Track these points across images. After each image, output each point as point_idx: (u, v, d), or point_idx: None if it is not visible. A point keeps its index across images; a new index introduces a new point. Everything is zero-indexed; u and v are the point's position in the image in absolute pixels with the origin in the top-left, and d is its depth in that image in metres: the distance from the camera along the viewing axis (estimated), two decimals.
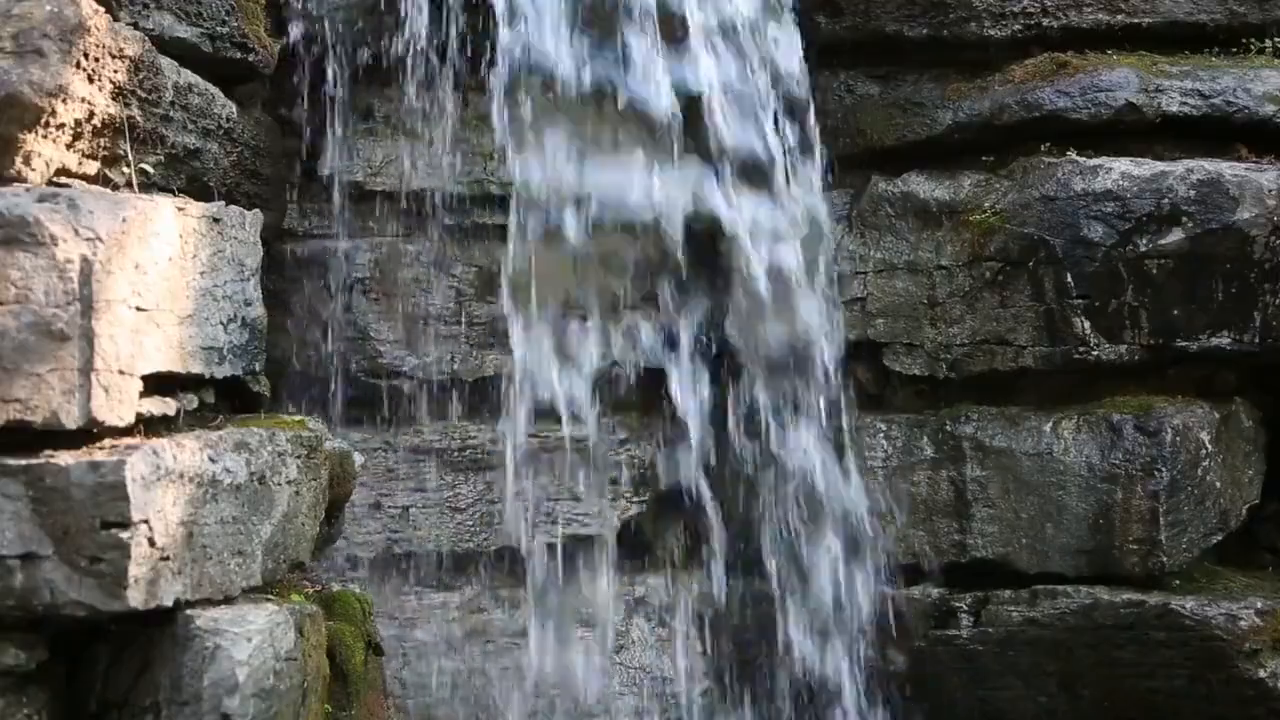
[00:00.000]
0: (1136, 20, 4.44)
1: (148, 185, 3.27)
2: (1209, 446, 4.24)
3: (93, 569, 2.68)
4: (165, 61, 3.38)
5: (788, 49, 4.40)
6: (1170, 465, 4.17)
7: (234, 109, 3.77)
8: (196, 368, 3.09)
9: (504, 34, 4.13)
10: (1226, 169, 4.19)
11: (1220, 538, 4.33)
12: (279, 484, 3.14)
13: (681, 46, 4.29)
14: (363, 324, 4.32)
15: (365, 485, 4.07)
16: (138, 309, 2.85)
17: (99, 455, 2.71)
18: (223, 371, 3.22)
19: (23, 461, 2.68)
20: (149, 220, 2.91)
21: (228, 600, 2.96)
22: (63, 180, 3.02)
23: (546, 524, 4.37)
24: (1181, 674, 4.12)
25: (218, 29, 3.69)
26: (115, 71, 3.11)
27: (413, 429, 4.34)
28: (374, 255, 4.34)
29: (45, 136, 2.95)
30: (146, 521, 2.71)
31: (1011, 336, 4.31)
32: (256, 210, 3.46)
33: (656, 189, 4.27)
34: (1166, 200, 4.15)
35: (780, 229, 4.36)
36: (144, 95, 3.26)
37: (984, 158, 4.45)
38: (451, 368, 4.36)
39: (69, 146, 3.03)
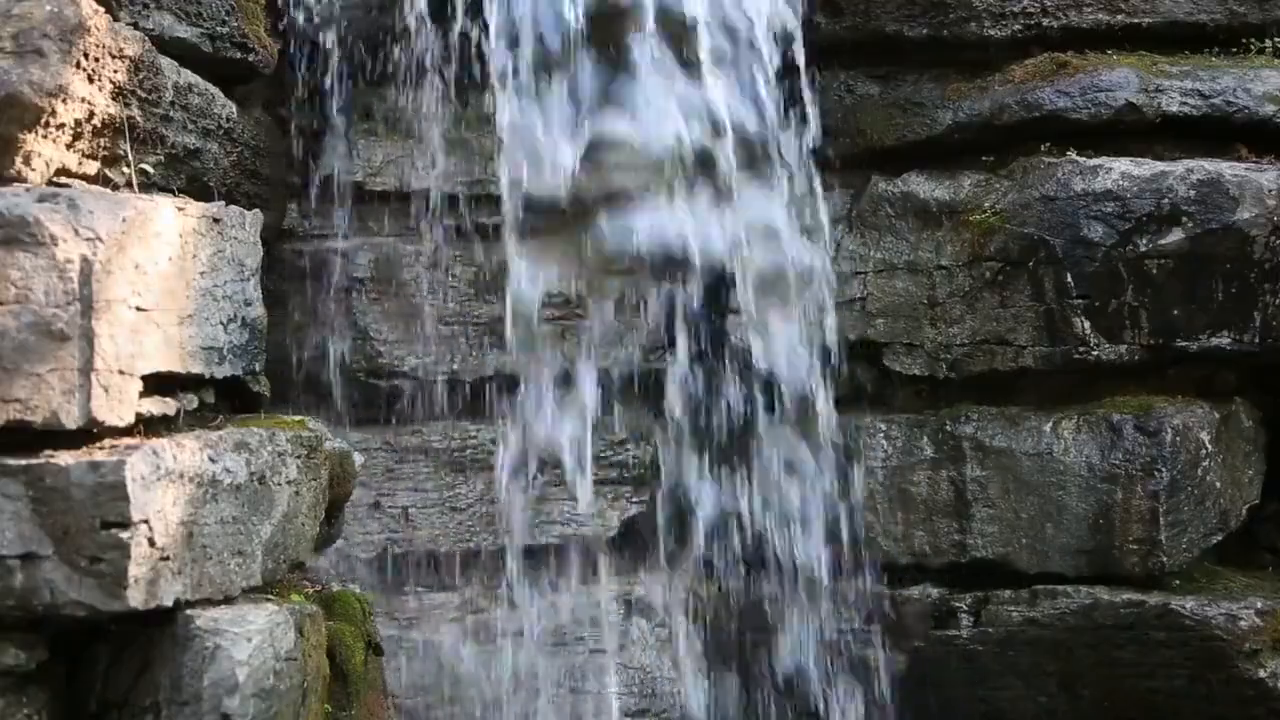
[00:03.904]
0: (1136, 20, 4.44)
1: (148, 185, 3.27)
2: (1209, 446, 4.24)
3: (93, 569, 2.68)
4: (165, 61, 3.38)
5: None
6: (1170, 465, 4.17)
7: (234, 109, 3.77)
8: (196, 368, 3.10)
9: None
10: (1226, 169, 4.19)
11: (1220, 538, 4.33)
12: (279, 484, 3.14)
13: None
14: (363, 324, 4.32)
15: (365, 485, 4.07)
16: (138, 309, 2.85)
17: (99, 455, 2.71)
18: (223, 371, 3.22)
19: (23, 461, 2.68)
20: (149, 220, 2.91)
21: (228, 600, 2.96)
22: (63, 180, 3.02)
23: (546, 524, 4.37)
24: (1181, 674, 4.12)
25: (218, 29, 3.69)
26: (115, 71, 3.11)
27: (413, 429, 4.34)
28: (374, 255, 4.34)
29: (45, 136, 2.95)
30: (146, 521, 2.71)
31: (1011, 336, 4.31)
32: (256, 210, 3.46)
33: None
34: (1166, 200, 4.15)
35: None
36: (144, 95, 3.26)
37: (984, 158, 4.45)
38: (451, 368, 4.37)
39: (69, 146, 3.03)
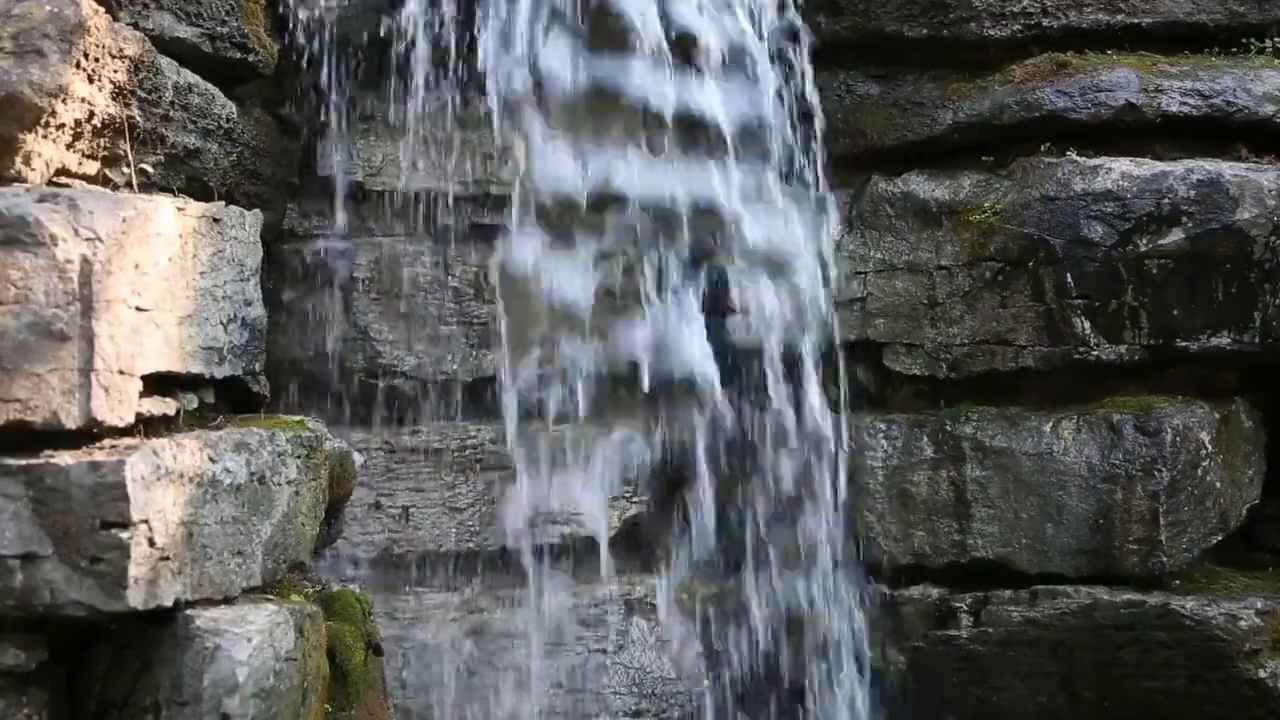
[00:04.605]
0: (1136, 20, 4.44)
1: (148, 185, 3.27)
2: (1209, 447, 4.24)
3: (93, 569, 2.68)
4: (165, 61, 3.38)
5: None
6: (1170, 465, 4.17)
7: (234, 109, 3.77)
8: (196, 368, 3.10)
9: None
10: (1226, 169, 4.19)
11: (1220, 538, 4.33)
12: (279, 484, 3.14)
13: None
14: (363, 324, 4.32)
15: (365, 485, 4.06)
16: (138, 309, 2.85)
17: (99, 455, 2.71)
18: (223, 371, 3.22)
19: (23, 461, 2.68)
20: (149, 220, 2.91)
21: (228, 600, 2.96)
22: (63, 180, 3.02)
23: (546, 524, 4.37)
24: (1181, 674, 4.12)
25: (218, 29, 3.69)
26: (115, 71, 3.11)
27: (413, 429, 4.33)
28: (374, 255, 4.34)
29: (45, 136, 2.95)
30: (146, 521, 2.71)
31: (1011, 336, 4.31)
32: (256, 210, 3.46)
33: None
34: (1166, 200, 4.15)
35: None
36: (144, 95, 3.26)
37: (984, 158, 4.45)
38: (451, 368, 4.36)
39: (69, 146, 3.03)
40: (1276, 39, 4.49)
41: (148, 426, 2.90)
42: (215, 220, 3.20)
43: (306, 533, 3.28)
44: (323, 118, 4.26)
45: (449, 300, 4.36)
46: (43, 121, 2.92)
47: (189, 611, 2.85)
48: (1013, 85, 4.39)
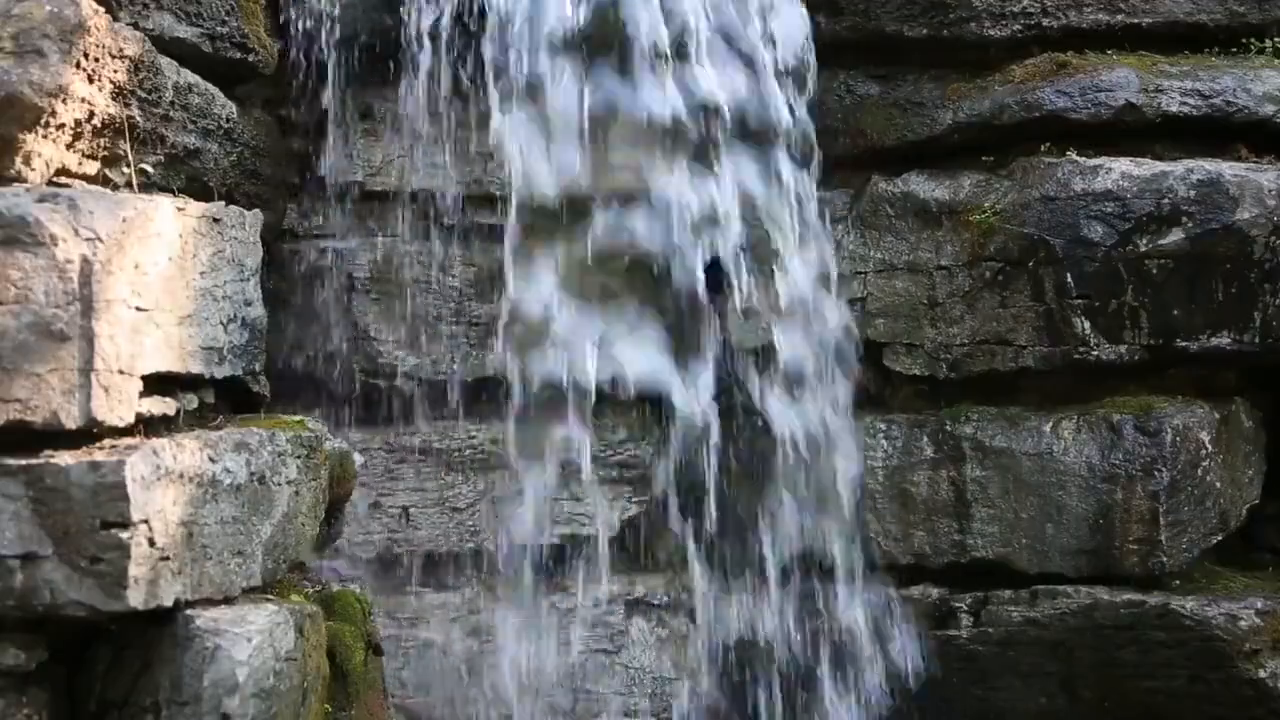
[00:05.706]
0: (1136, 20, 4.44)
1: (148, 185, 3.27)
2: (1209, 447, 4.24)
3: (93, 569, 2.68)
4: (165, 61, 3.39)
5: None
6: (1170, 465, 4.17)
7: (234, 109, 3.77)
8: (196, 368, 3.10)
9: None
10: (1226, 169, 4.19)
11: (1220, 538, 4.33)
12: (279, 484, 3.14)
13: None
14: (363, 324, 4.32)
15: (365, 485, 4.06)
16: (137, 309, 2.85)
17: (99, 455, 2.71)
18: (223, 371, 3.22)
19: (23, 461, 2.68)
20: (149, 220, 2.91)
21: (228, 600, 2.96)
22: (63, 180, 3.02)
23: (546, 524, 4.37)
24: (1181, 674, 4.12)
25: (218, 29, 3.69)
26: (115, 71, 3.11)
27: (413, 429, 4.33)
28: (374, 255, 4.34)
29: (45, 136, 2.95)
30: (146, 521, 2.71)
31: (1011, 336, 4.32)
32: (256, 210, 3.46)
33: None
34: (1166, 200, 4.15)
35: None
36: (144, 95, 3.26)
37: (984, 158, 4.45)
38: (451, 368, 4.36)
39: (69, 146, 3.03)
40: (1276, 39, 4.49)
41: (148, 426, 2.90)
42: (215, 220, 3.20)
43: (306, 533, 3.28)
44: (323, 118, 4.26)
45: (449, 300, 4.37)
46: (43, 121, 2.92)
47: (189, 611, 2.85)
48: (1013, 85, 4.39)
